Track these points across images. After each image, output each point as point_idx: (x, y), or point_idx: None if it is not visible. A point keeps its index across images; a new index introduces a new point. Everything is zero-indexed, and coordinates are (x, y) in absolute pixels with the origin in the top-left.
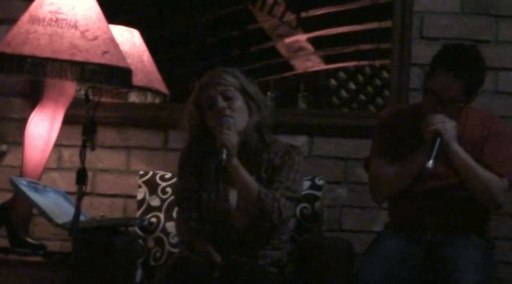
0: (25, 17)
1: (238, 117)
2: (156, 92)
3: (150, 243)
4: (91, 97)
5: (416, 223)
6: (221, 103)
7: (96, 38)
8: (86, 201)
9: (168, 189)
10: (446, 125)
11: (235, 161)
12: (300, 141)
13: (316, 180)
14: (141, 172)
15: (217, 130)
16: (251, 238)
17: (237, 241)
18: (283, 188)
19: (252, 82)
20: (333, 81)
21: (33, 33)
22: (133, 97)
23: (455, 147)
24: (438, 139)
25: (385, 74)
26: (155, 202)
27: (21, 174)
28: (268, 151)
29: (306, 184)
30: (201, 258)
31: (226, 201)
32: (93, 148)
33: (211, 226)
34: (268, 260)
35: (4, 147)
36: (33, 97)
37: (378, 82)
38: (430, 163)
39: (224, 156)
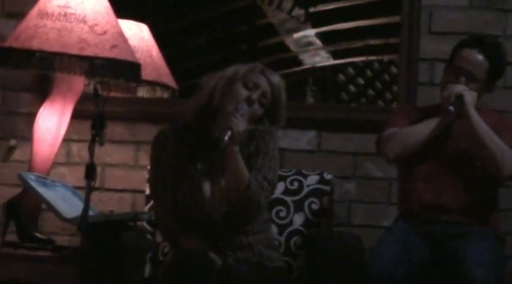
0: (34, 11)
1: (249, 118)
2: (164, 87)
3: (159, 238)
4: (100, 92)
5: (429, 207)
6: (256, 95)
7: (104, 33)
8: (95, 195)
9: None
10: (467, 91)
11: (236, 148)
12: (309, 135)
13: (325, 175)
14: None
15: (230, 112)
16: (228, 227)
17: (215, 231)
18: (262, 177)
19: (285, 105)
20: (341, 76)
21: (41, 27)
22: (142, 92)
23: (474, 111)
24: (459, 100)
25: (393, 69)
26: None
27: (30, 169)
28: (251, 142)
29: (315, 178)
30: (199, 258)
31: (200, 192)
32: (101, 143)
33: (188, 218)
34: (255, 248)
35: (13, 142)
36: (42, 92)
37: (386, 77)
38: (452, 107)
39: (226, 138)
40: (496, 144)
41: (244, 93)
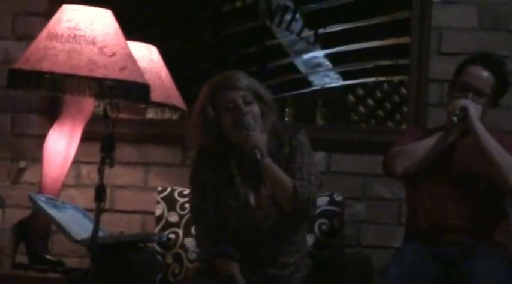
0: (43, 33)
1: (257, 123)
2: (174, 108)
3: (169, 259)
4: (109, 113)
5: (437, 228)
6: (244, 107)
7: (114, 54)
8: (105, 217)
9: (187, 205)
10: (472, 105)
11: (268, 160)
12: (318, 156)
13: (335, 196)
14: (160, 188)
15: (244, 135)
16: (273, 238)
17: (260, 243)
18: (307, 174)
19: (259, 83)
20: (351, 97)
21: (51, 49)
22: (152, 114)
23: (478, 123)
24: (463, 112)
25: (403, 90)
26: (173, 218)
27: (40, 191)
28: (281, 146)
29: (325, 200)
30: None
31: (247, 204)
32: (111, 165)
33: (234, 232)
34: (292, 268)
35: (23, 164)
36: (52, 114)
37: (396, 98)
38: (455, 118)
39: (258, 156)
40: (501, 154)
41: (230, 116)
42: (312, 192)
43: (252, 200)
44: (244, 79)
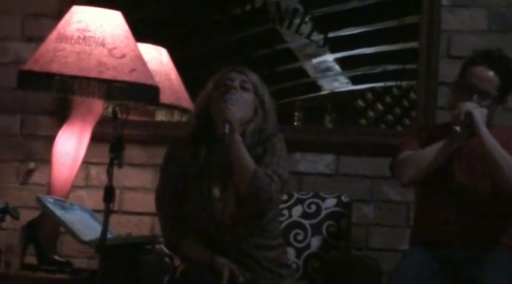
0: (53, 35)
1: (243, 107)
2: (183, 110)
3: (177, 261)
4: (119, 115)
5: (445, 235)
6: (236, 84)
7: (123, 56)
8: (113, 218)
9: None
10: (476, 109)
11: (238, 137)
12: (327, 159)
13: (342, 198)
14: None
15: (221, 107)
16: (239, 233)
17: (226, 238)
18: (271, 171)
19: (269, 94)
20: (360, 102)
21: (61, 51)
22: (161, 116)
23: (484, 128)
24: (468, 117)
25: (412, 95)
26: None
27: (49, 192)
28: (257, 145)
29: (332, 201)
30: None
31: (209, 198)
32: (120, 166)
33: (198, 223)
34: (266, 263)
35: (32, 165)
36: (61, 115)
37: (405, 102)
38: (458, 128)
39: (227, 130)
40: (505, 158)
41: (222, 91)
42: (271, 187)
43: (216, 194)
44: (252, 74)
